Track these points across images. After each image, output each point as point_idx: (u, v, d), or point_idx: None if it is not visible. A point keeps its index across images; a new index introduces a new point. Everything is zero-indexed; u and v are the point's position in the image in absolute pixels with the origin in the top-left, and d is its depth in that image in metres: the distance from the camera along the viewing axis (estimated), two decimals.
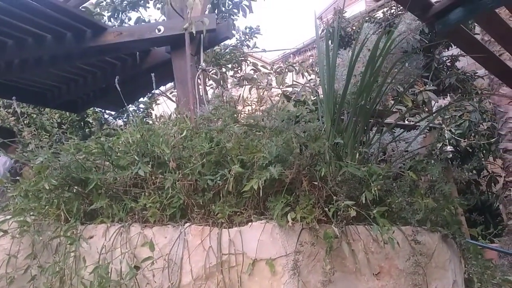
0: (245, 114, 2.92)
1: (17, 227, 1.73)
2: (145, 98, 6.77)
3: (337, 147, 2.15)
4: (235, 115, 2.67)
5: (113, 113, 6.53)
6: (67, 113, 6.45)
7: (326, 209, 1.81)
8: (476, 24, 4.83)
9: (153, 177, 1.98)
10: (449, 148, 5.81)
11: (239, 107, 3.12)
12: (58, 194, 1.84)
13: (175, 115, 2.70)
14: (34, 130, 2.57)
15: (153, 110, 6.85)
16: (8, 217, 1.77)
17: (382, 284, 1.81)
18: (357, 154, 2.26)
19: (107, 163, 2.09)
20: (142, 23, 5.82)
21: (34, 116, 6.23)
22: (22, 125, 2.50)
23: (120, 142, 2.12)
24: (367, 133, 2.58)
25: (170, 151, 2.05)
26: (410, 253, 1.80)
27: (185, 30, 3.18)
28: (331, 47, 2.81)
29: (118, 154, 2.03)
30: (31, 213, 1.82)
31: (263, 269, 1.72)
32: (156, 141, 2.12)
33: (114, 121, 6.46)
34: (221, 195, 2.02)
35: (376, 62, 2.31)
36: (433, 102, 6.66)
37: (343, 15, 7.80)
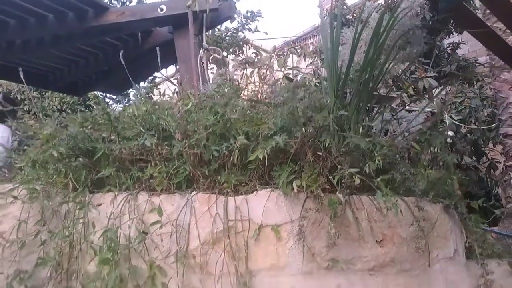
0: (248, 92, 2.93)
1: (27, 194, 1.75)
2: (146, 83, 6.76)
3: (341, 120, 2.17)
4: (238, 92, 2.68)
5: (114, 97, 6.53)
6: (68, 98, 6.44)
7: (331, 177, 1.83)
8: (479, 2, 4.81)
9: (159, 148, 2.00)
10: (449, 133, 5.83)
11: (242, 86, 3.13)
12: (66, 164, 1.87)
13: (179, 91, 2.71)
14: (34, 115, 2.58)
15: (154, 95, 6.85)
16: (17, 185, 1.80)
17: (385, 251, 1.84)
18: (360, 129, 2.28)
19: (113, 137, 2.11)
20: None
21: (35, 100, 6.22)
22: (22, 111, 2.51)
23: (126, 114, 2.13)
24: (369, 110, 2.60)
25: (175, 124, 2.07)
26: (413, 221, 1.83)
27: (188, 8, 3.17)
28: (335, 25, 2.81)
29: (125, 125, 2.05)
30: (39, 182, 1.85)
31: (268, 235, 1.75)
32: (162, 114, 2.14)
33: (115, 105, 6.47)
34: (226, 167, 2.04)
35: (380, 38, 2.32)
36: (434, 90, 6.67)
37: (344, 1, 7.75)
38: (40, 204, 1.75)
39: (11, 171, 2.36)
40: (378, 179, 1.80)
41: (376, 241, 1.86)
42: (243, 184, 1.98)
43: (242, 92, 2.79)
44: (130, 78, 2.45)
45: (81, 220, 1.73)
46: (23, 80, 2.24)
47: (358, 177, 1.77)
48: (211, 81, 3.64)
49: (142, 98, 2.20)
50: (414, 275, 1.87)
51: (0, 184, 1.83)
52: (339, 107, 2.21)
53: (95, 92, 6.50)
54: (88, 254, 1.70)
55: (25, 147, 1.98)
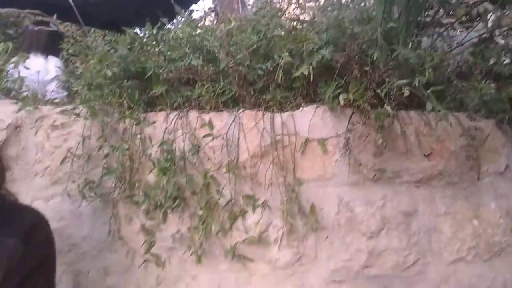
0: (289, 13, 2.84)
1: (87, 112, 1.88)
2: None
3: (390, 35, 2.08)
4: (280, 13, 2.60)
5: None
6: (110, 37, 6.54)
7: (378, 91, 1.80)
8: None
9: (205, 69, 2.03)
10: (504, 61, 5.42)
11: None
12: (119, 85, 1.96)
13: (220, 15, 2.68)
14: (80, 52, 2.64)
15: None
16: (76, 105, 1.93)
17: (432, 164, 1.85)
18: (410, 45, 2.18)
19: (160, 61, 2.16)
20: None
21: (79, 39, 6.37)
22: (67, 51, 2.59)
23: (171, 36, 2.16)
24: (419, 28, 2.46)
25: (219, 43, 2.08)
26: (463, 132, 1.80)
27: None
28: None
29: (170, 48, 2.09)
30: (97, 103, 1.96)
31: (315, 148, 1.80)
32: (205, 35, 2.15)
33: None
34: (270, 89, 2.05)
35: None
36: (488, 16, 6.10)
37: None
38: (99, 122, 1.88)
39: (69, 96, 2.53)
40: (429, 91, 1.75)
41: (424, 154, 1.86)
42: (288, 102, 2.00)
43: (284, 14, 2.71)
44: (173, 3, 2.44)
45: (138, 136, 1.85)
46: (76, 12, 2.29)
47: (407, 89, 1.72)
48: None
49: (186, 19, 2.20)
50: (462, 187, 1.87)
51: (63, 106, 1.96)
52: (387, 21, 2.11)
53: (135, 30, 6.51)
54: (147, 166, 1.84)
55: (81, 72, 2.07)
